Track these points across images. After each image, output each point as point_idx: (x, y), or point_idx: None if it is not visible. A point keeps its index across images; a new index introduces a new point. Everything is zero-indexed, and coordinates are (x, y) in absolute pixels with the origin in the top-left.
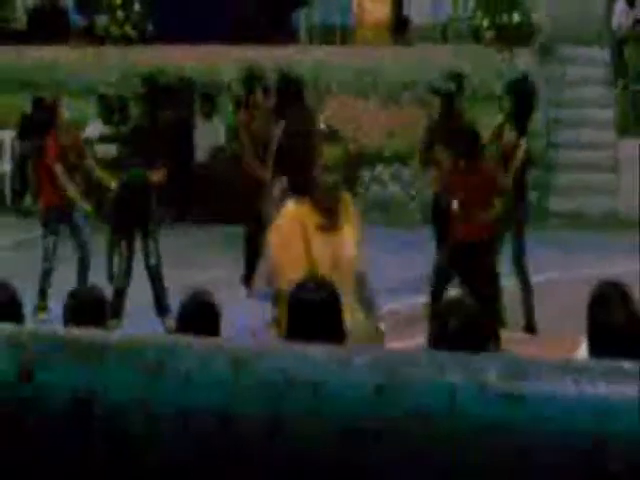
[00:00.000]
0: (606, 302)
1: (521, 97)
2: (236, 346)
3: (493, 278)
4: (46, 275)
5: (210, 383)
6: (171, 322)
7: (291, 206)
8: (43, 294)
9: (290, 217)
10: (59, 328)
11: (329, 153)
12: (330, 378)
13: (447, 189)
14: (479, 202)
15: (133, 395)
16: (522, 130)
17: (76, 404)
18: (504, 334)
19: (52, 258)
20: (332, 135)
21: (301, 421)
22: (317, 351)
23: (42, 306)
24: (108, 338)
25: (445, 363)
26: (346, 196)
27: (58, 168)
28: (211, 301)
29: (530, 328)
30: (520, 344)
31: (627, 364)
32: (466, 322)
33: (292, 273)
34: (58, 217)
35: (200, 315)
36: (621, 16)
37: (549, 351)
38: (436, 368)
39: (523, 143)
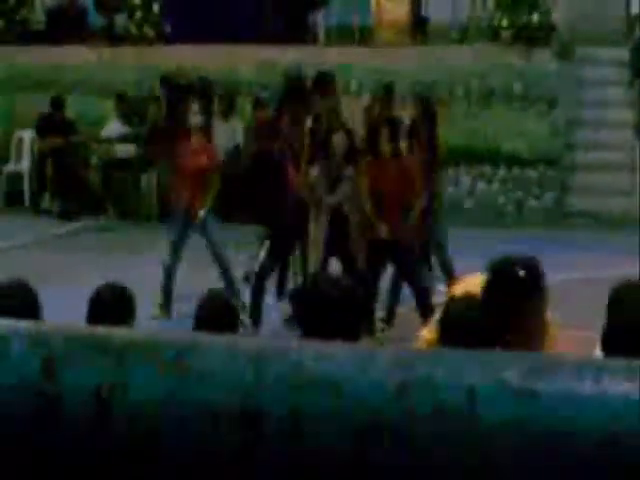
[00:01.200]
0: (624, 301)
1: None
2: (257, 343)
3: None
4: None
5: (231, 382)
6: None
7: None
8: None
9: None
10: (79, 324)
11: None
12: (351, 376)
13: None
14: None
15: (154, 393)
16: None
17: (98, 402)
18: None
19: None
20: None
21: (322, 420)
22: (338, 349)
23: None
24: (129, 336)
25: (465, 361)
26: None
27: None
28: (228, 301)
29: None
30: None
31: None
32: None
33: None
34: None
35: (218, 315)
36: None
37: (564, 350)
38: (456, 366)
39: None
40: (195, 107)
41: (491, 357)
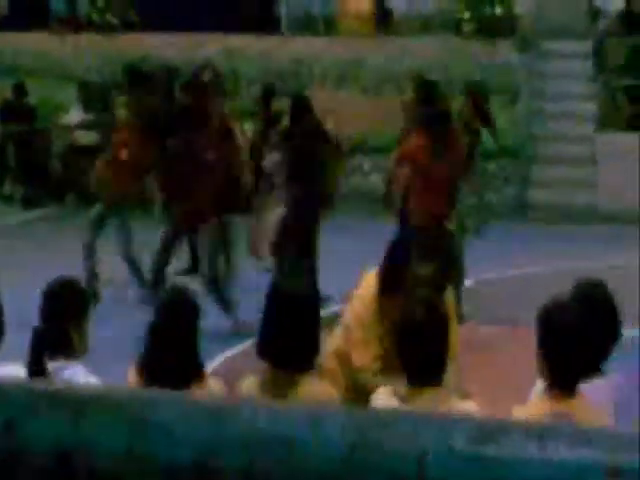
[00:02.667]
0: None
1: None
2: (214, 401)
3: None
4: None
5: (188, 438)
6: None
7: (371, 284)
8: None
9: (371, 294)
10: (41, 380)
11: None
12: (304, 437)
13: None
14: None
15: (113, 448)
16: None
17: (58, 457)
18: (483, 329)
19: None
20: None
21: (275, 477)
22: (293, 408)
23: None
24: (91, 391)
25: (417, 424)
26: (447, 296)
27: None
28: (188, 297)
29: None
30: (500, 339)
31: (593, 430)
32: None
33: (363, 357)
34: None
35: (178, 311)
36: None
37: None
38: (408, 430)
39: None
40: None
41: (443, 421)
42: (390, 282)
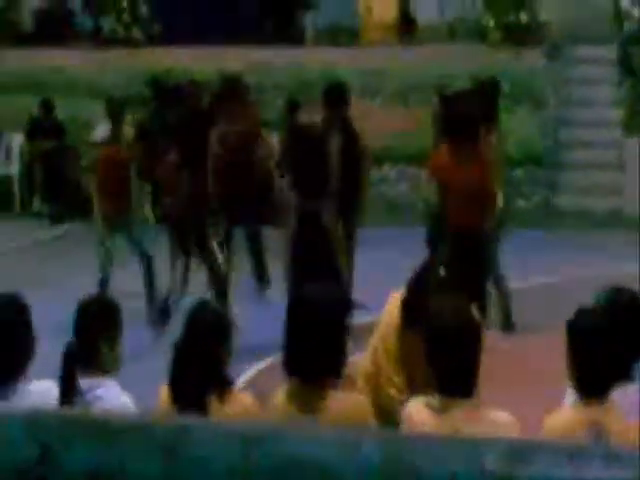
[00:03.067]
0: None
1: None
2: (247, 427)
3: None
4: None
5: (220, 465)
6: None
7: (396, 303)
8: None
9: (395, 320)
10: (75, 407)
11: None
12: (338, 462)
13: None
14: None
15: (148, 477)
16: None
17: None
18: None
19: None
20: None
21: None
22: (327, 433)
23: None
24: (123, 419)
25: (448, 448)
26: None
27: None
28: (219, 311)
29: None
30: (526, 342)
31: (625, 449)
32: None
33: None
34: None
35: (209, 325)
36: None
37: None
38: (439, 452)
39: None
40: None
41: (473, 444)
42: (412, 314)
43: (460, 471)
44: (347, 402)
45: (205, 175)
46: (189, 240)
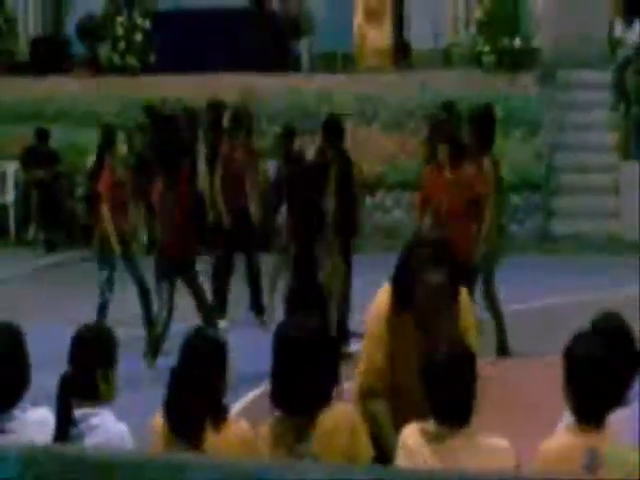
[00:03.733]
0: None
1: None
2: (243, 464)
3: None
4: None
5: None
6: None
7: (384, 295)
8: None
9: (381, 315)
10: (70, 446)
11: None
12: None
13: None
14: None
15: None
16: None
17: None
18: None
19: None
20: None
21: None
22: (318, 470)
23: None
24: (117, 455)
25: None
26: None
27: None
28: (216, 338)
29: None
30: (522, 368)
31: None
32: None
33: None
34: None
35: (205, 353)
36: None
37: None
38: None
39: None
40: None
41: (463, 476)
42: (400, 297)
43: None
44: (334, 417)
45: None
46: (175, 266)
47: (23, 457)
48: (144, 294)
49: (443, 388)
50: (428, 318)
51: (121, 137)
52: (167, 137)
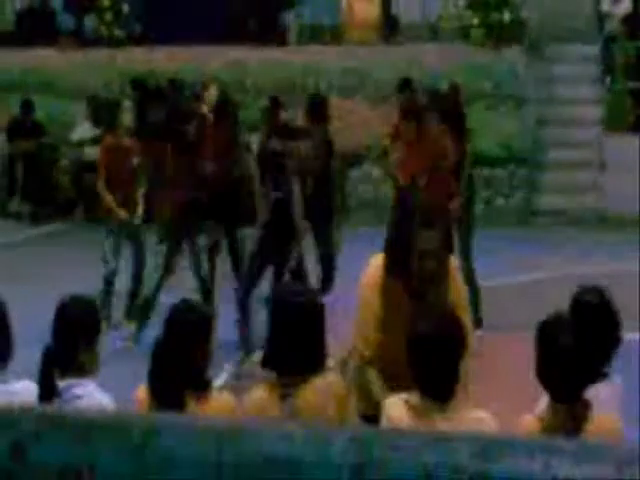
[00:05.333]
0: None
1: None
2: (219, 424)
3: None
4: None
5: (193, 462)
6: None
7: (376, 263)
8: None
9: (373, 282)
10: (50, 405)
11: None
12: (308, 458)
13: None
14: None
15: (119, 475)
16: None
17: None
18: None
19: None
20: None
21: None
22: (298, 429)
23: None
24: (96, 416)
25: (421, 443)
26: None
27: None
28: (201, 310)
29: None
30: (504, 345)
31: (598, 445)
32: None
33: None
34: None
35: (189, 324)
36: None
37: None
38: (412, 449)
39: None
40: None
41: (447, 439)
42: (393, 263)
43: (433, 465)
44: (320, 384)
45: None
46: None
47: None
48: (139, 264)
49: (430, 363)
50: (422, 284)
51: (127, 105)
52: (170, 107)
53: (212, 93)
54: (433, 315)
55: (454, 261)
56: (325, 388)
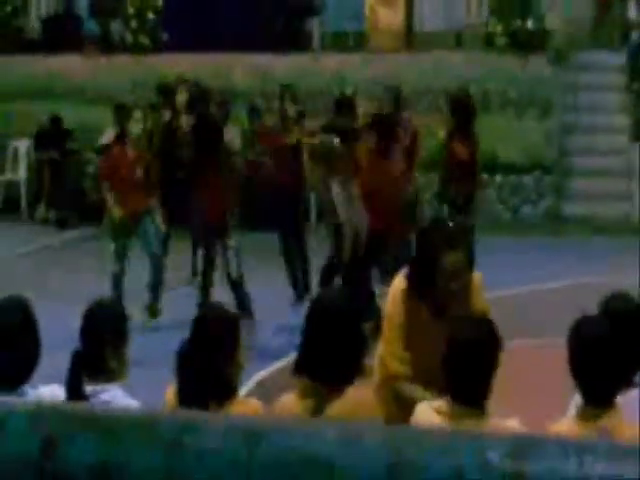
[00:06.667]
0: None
1: None
2: (251, 422)
3: None
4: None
5: (226, 461)
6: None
7: (400, 285)
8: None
9: (398, 300)
10: (80, 404)
11: None
12: (342, 457)
13: None
14: None
15: (152, 472)
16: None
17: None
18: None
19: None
20: None
21: None
22: (330, 428)
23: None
24: (128, 415)
25: (454, 441)
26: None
27: None
28: (229, 315)
29: None
30: (531, 350)
31: (629, 445)
32: None
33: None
34: None
35: (215, 329)
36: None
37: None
38: (444, 447)
39: None
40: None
41: (479, 437)
42: (418, 276)
43: (466, 464)
44: (353, 399)
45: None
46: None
47: (31, 414)
48: (155, 269)
49: (465, 367)
50: (447, 303)
51: (137, 115)
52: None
53: (182, 97)
54: (473, 322)
55: (478, 276)
56: (358, 400)
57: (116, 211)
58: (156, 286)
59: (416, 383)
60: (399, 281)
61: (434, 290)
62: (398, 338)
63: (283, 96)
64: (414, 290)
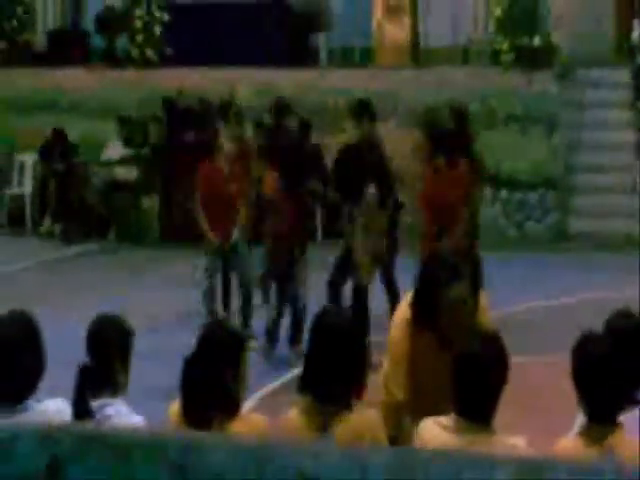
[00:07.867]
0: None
1: None
2: (257, 443)
3: None
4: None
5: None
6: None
7: (404, 314)
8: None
9: (403, 328)
10: (88, 424)
11: None
12: (348, 478)
13: None
14: None
15: None
16: None
17: None
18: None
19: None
20: None
21: None
22: (336, 450)
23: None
24: (135, 435)
25: (460, 464)
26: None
27: None
28: (234, 332)
29: None
30: (537, 367)
31: (634, 467)
32: None
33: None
34: None
35: (219, 345)
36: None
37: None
38: (451, 469)
39: None
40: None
41: (486, 459)
42: (423, 310)
43: None
44: (358, 419)
45: None
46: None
47: (39, 434)
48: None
49: (473, 382)
50: (452, 335)
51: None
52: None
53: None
54: (483, 338)
55: (484, 297)
56: (363, 420)
57: (210, 236)
58: (247, 317)
59: (419, 411)
60: (404, 310)
61: (439, 323)
62: (401, 363)
63: (281, 110)
64: (419, 322)
